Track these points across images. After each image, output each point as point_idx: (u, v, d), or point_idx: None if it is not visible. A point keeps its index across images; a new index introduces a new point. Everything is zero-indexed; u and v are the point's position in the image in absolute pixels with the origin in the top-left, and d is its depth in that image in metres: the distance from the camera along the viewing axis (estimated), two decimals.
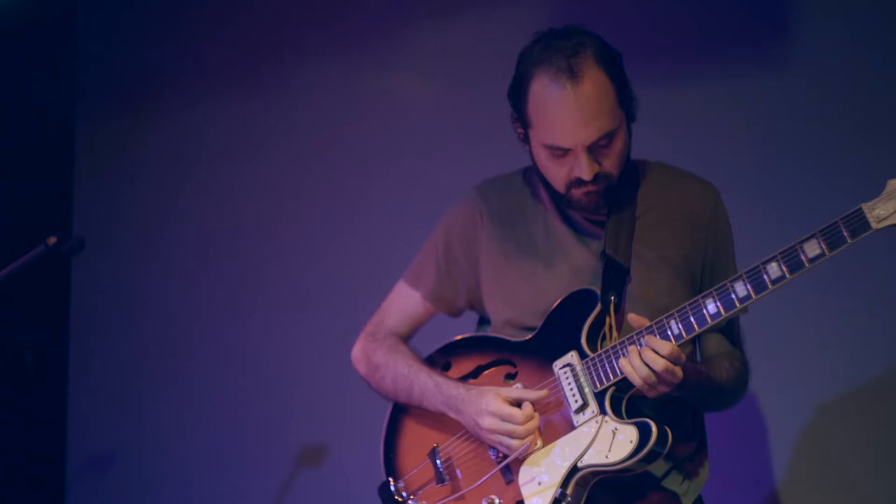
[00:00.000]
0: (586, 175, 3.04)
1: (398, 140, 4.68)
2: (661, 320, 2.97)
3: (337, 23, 4.79)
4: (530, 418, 3.07)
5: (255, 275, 4.87)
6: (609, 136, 3.04)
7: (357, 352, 3.44)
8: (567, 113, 3.01)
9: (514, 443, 3.06)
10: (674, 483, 3.16)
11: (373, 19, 4.73)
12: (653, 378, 2.93)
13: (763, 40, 4.13)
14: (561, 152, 3.05)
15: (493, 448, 3.14)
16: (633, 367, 2.94)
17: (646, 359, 2.92)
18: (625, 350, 2.99)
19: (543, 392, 3.08)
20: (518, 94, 3.11)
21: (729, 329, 3.25)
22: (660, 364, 2.91)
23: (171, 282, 4.98)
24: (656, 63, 4.14)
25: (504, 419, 3.06)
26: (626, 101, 3.09)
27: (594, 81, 3.00)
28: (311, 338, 4.74)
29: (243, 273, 4.89)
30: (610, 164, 3.07)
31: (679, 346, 2.95)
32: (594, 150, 3.04)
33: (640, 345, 2.95)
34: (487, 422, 3.08)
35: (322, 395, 4.66)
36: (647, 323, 2.97)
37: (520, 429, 3.05)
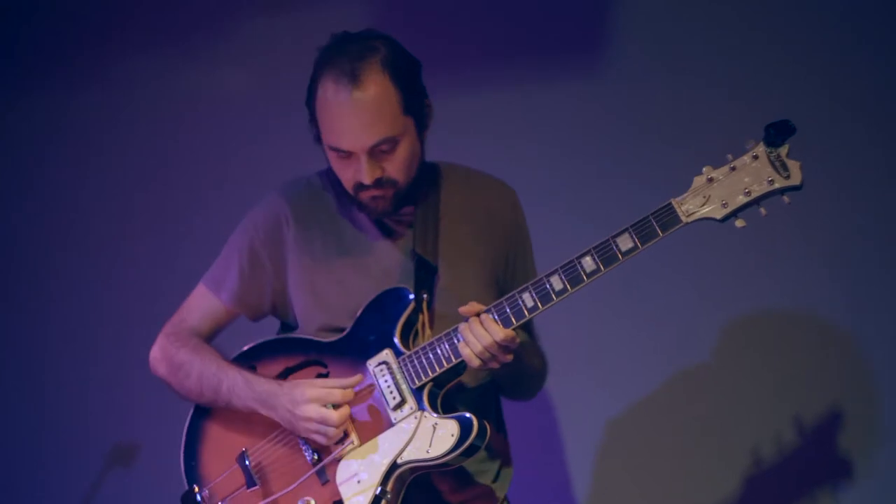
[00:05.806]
0: (366, 179, 3.07)
1: (215, 136, 4.63)
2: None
3: (157, 16, 4.71)
4: (348, 399, 3.06)
5: (56, 273, 4.77)
6: (391, 143, 3.07)
7: (156, 352, 3.33)
8: (347, 117, 3.04)
9: (331, 430, 3.04)
10: (487, 478, 3.22)
11: (195, 13, 4.67)
12: (487, 354, 2.98)
13: (575, 49, 4.27)
14: (344, 154, 3.08)
15: (309, 449, 3.11)
16: (468, 344, 2.99)
17: (481, 334, 2.98)
18: (441, 346, 3.03)
19: (357, 377, 3.08)
20: (309, 96, 3.13)
21: (526, 323, 3.34)
22: (499, 337, 2.97)
23: None
24: (466, 69, 4.21)
25: (324, 402, 3.04)
26: (413, 109, 3.11)
27: (375, 87, 3.02)
28: (113, 338, 4.64)
29: (42, 270, 4.79)
30: (394, 169, 3.10)
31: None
32: (375, 154, 3.07)
33: (458, 339, 3.01)
34: (306, 409, 3.05)
35: (126, 396, 4.57)
36: (483, 308, 3.01)
37: (335, 415, 3.04)
